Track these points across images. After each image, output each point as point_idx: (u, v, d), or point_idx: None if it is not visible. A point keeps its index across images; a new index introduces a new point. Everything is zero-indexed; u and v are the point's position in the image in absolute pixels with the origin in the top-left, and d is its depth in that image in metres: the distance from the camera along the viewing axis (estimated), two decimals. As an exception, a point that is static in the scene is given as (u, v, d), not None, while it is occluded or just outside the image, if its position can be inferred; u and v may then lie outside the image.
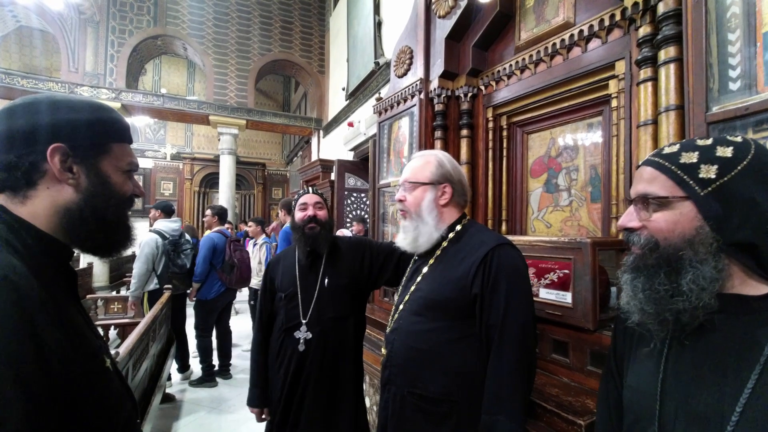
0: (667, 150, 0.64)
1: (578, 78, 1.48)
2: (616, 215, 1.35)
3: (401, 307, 1.13)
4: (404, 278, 1.22)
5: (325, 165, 5.66)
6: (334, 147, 6.80)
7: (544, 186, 1.75)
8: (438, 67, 1.97)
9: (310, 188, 1.67)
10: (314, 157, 7.51)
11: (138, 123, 9.39)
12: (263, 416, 1.54)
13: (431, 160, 1.15)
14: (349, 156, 5.68)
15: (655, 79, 1.14)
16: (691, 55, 0.95)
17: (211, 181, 9.77)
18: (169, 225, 3.45)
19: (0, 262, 0.49)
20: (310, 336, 1.47)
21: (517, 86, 1.75)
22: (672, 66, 1.05)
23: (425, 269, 1.12)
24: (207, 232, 3.62)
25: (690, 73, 0.97)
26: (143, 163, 9.87)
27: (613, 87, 1.38)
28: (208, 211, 3.77)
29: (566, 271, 1.23)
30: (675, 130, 1.04)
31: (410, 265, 1.22)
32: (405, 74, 2.19)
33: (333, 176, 5.20)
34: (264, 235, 4.37)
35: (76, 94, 6.01)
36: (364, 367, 1.68)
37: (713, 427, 0.55)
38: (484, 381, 0.96)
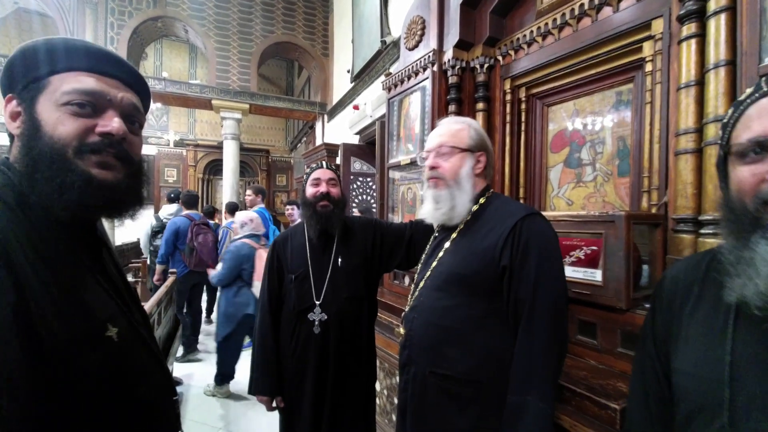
0: None
1: (608, 41, 1.37)
2: (648, 189, 1.26)
3: (421, 284, 1.05)
4: (424, 255, 1.14)
5: (331, 149, 5.55)
6: (339, 131, 6.68)
7: (565, 161, 1.65)
8: (452, 36, 1.86)
9: (324, 163, 1.57)
10: (319, 142, 7.40)
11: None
12: (274, 405, 1.47)
13: (465, 125, 1.06)
14: (355, 140, 5.57)
15: (700, 35, 1.03)
16: (746, 1, 0.85)
17: (215, 168, 9.69)
18: (166, 210, 3.80)
19: None
20: (326, 317, 1.41)
21: (537, 55, 1.64)
22: (723, 16, 0.94)
23: (447, 244, 1.04)
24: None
25: (744, 21, 0.87)
26: (147, 149, 9.80)
27: (647, 49, 1.26)
28: (167, 197, 4.26)
29: (595, 248, 1.15)
30: (725, 88, 0.93)
31: (430, 241, 1.14)
32: (416, 46, 2.08)
33: (338, 160, 5.10)
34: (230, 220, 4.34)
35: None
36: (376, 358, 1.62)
37: None
38: (511, 361, 0.89)
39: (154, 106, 9.24)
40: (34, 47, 0.56)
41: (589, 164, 1.55)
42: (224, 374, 2.91)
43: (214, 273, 2.93)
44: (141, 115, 0.64)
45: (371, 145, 4.91)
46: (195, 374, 3.28)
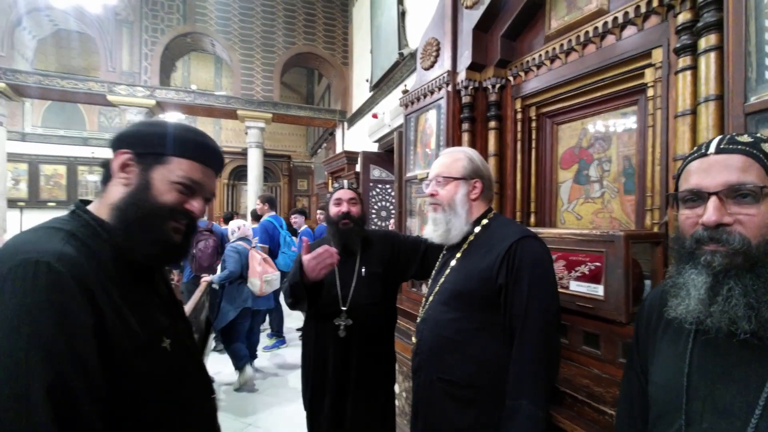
0: (741, 138, 0.60)
1: (612, 67, 1.45)
2: (651, 207, 1.33)
3: (431, 298, 1.17)
4: (434, 271, 1.26)
5: (350, 157, 5.72)
6: (358, 138, 6.85)
7: (574, 177, 1.73)
8: (465, 58, 1.96)
9: (345, 182, 1.71)
10: (339, 149, 7.59)
11: (170, 119, 9.76)
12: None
13: (461, 156, 1.18)
14: (374, 147, 5.72)
15: (694, 67, 1.11)
16: (732, 43, 0.93)
17: (239, 174, 10.07)
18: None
19: (49, 251, 0.58)
20: (351, 322, 1.54)
21: (547, 76, 1.72)
22: (712, 55, 1.02)
23: (453, 262, 1.16)
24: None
25: (730, 62, 0.94)
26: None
27: (649, 76, 1.34)
28: None
29: (598, 264, 1.23)
30: (714, 121, 1.01)
31: (439, 259, 1.26)
32: (431, 66, 2.20)
33: (358, 168, 5.26)
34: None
35: (114, 92, 6.31)
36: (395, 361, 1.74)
37: (739, 420, 0.57)
38: (507, 368, 1.00)
39: (183, 116, 9.70)
40: (166, 130, 0.71)
41: (597, 181, 1.62)
42: (240, 358, 3.20)
43: (216, 276, 3.33)
44: (214, 196, 0.80)
45: (390, 153, 5.04)
46: (223, 371, 3.49)
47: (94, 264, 0.62)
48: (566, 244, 1.32)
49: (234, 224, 3.53)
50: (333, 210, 1.64)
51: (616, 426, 0.84)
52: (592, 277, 1.25)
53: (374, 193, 5.02)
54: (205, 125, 11.53)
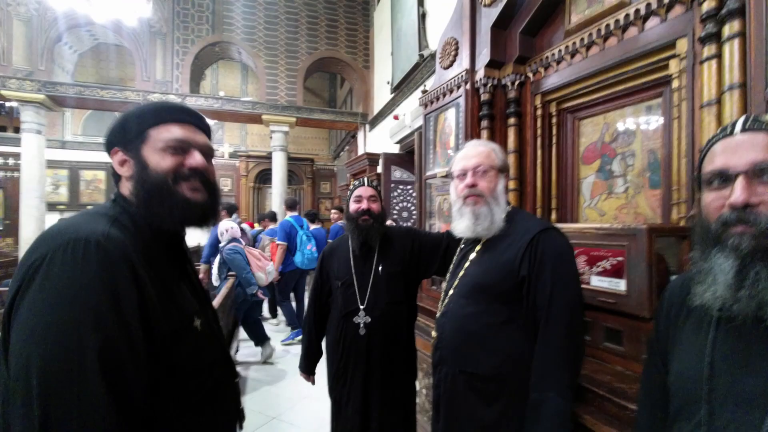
0: (765, 118, 0.60)
1: (635, 59, 1.42)
2: (677, 201, 1.30)
3: (450, 292, 1.18)
4: (452, 265, 1.27)
5: (372, 158, 5.78)
6: (380, 140, 6.90)
7: (597, 173, 1.70)
8: (484, 56, 1.97)
9: (365, 179, 1.74)
10: (360, 151, 7.67)
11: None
12: (311, 381, 1.75)
13: (494, 146, 1.20)
14: (395, 149, 5.75)
15: (718, 56, 1.08)
16: (753, 28, 0.90)
17: (264, 177, 10.32)
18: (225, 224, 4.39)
19: (96, 231, 0.62)
20: (370, 320, 1.57)
21: (567, 71, 1.71)
22: (736, 42, 0.99)
23: (473, 255, 1.16)
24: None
25: (752, 48, 0.92)
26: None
27: (673, 67, 1.31)
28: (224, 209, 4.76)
29: (620, 259, 1.21)
30: (739, 110, 0.98)
31: (457, 253, 1.27)
32: (450, 65, 2.21)
33: (379, 169, 5.30)
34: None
35: (149, 101, 6.64)
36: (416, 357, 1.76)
37: (762, 411, 0.56)
38: (531, 361, 0.99)
39: (212, 122, 10.06)
40: (129, 116, 0.75)
41: (621, 176, 1.59)
42: (260, 336, 3.65)
43: (248, 289, 3.54)
44: (212, 150, 0.83)
45: (410, 154, 5.06)
46: (250, 368, 3.60)
47: (136, 246, 0.66)
48: (587, 238, 1.30)
49: (222, 227, 3.71)
50: (353, 207, 1.66)
51: (636, 420, 0.83)
52: (614, 272, 1.23)
53: (395, 194, 5.05)
54: (232, 130, 11.91)
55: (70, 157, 9.44)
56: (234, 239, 3.67)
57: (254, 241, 5.21)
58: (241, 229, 4.63)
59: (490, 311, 1.06)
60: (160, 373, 0.65)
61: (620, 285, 1.19)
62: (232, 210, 4.93)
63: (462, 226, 1.16)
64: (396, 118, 5.69)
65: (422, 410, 2.05)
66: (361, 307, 1.58)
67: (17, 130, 7.91)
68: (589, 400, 1.11)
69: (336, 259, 1.72)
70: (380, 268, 1.62)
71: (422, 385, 2.08)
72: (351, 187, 1.76)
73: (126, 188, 0.75)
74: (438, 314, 1.22)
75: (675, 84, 1.31)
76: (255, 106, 7.40)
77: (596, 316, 1.27)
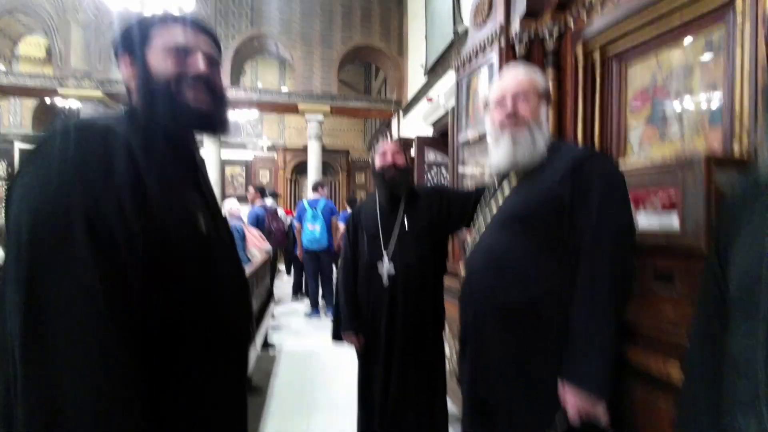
0: None
1: (691, -17, 1.28)
2: (740, 132, 1.16)
3: (483, 228, 1.12)
4: (483, 201, 1.21)
5: (405, 143, 5.73)
6: (414, 125, 6.85)
7: (647, 119, 1.55)
8: (520, 6, 1.86)
9: (389, 135, 1.75)
10: (394, 137, 7.65)
11: (240, 119, 10.60)
12: (359, 341, 1.65)
13: (535, 71, 1.10)
14: (430, 132, 5.68)
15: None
16: None
17: (300, 169, 10.60)
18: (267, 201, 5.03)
19: (100, 123, 0.63)
20: (394, 272, 1.55)
21: (612, 12, 1.57)
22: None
23: (508, 190, 1.09)
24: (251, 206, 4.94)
25: None
26: (245, 155, 11.10)
27: (737, -16, 1.16)
28: (250, 188, 5.22)
29: (672, 194, 1.10)
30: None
31: (488, 191, 1.20)
32: (484, 23, 2.12)
33: (413, 153, 5.25)
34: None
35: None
36: (444, 314, 1.71)
37: None
38: (572, 296, 0.91)
39: (252, 117, 10.45)
40: (135, 21, 0.75)
41: (675, 119, 1.45)
42: None
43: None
44: (219, 59, 0.80)
45: (444, 136, 4.96)
46: (285, 340, 3.71)
47: (138, 141, 0.65)
48: (635, 178, 1.19)
49: (226, 207, 3.97)
50: (378, 162, 1.67)
51: (691, 327, 0.74)
52: (665, 210, 1.11)
53: (430, 176, 4.99)
54: (270, 125, 12.32)
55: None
56: (235, 218, 3.97)
57: (290, 227, 5.54)
58: (275, 212, 5.00)
59: (526, 241, 0.98)
60: (162, 280, 0.62)
61: (673, 222, 1.08)
62: (263, 192, 5.17)
63: (499, 154, 1.07)
64: (430, 100, 5.61)
65: (452, 375, 2.00)
66: (386, 257, 1.56)
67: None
68: (636, 341, 1.02)
69: (364, 214, 1.73)
70: (406, 221, 1.60)
71: (454, 351, 2.03)
72: (376, 145, 1.77)
73: (134, 99, 0.75)
74: (467, 253, 1.16)
75: (739, 7, 1.17)
76: (291, 97, 7.58)
77: (645, 259, 1.15)
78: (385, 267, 1.56)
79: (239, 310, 0.80)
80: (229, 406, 0.74)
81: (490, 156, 1.15)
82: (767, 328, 0.53)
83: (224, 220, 0.86)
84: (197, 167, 0.82)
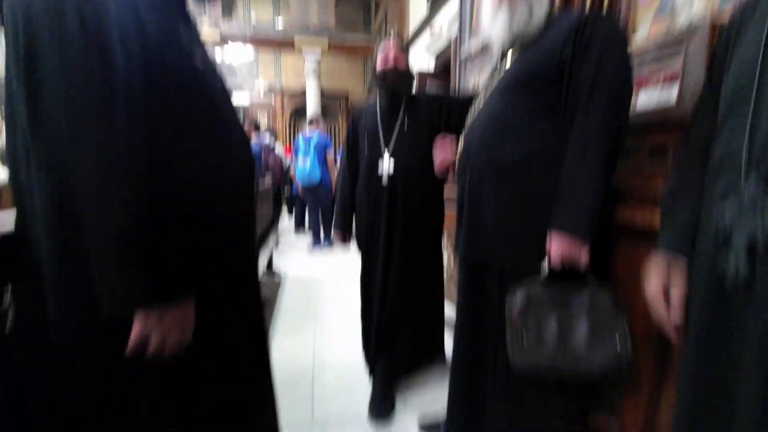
0: None
1: None
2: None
3: (481, 102, 1.13)
4: (485, 77, 1.20)
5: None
6: (416, 60, 6.58)
7: (657, 9, 1.49)
8: None
9: (390, 37, 1.70)
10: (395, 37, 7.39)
11: (234, 61, 10.17)
12: (347, 240, 1.81)
13: None
14: (432, 64, 5.50)
15: None
16: None
17: (300, 113, 10.38)
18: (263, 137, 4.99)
19: None
20: (393, 171, 1.58)
21: None
22: None
23: (508, 62, 1.09)
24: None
25: None
26: (242, 100, 10.78)
27: None
28: (246, 122, 5.07)
29: (673, 70, 1.09)
30: None
31: (492, 67, 1.19)
32: None
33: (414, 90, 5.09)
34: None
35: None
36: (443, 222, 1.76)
37: None
38: (566, 154, 0.93)
39: (247, 57, 10.00)
40: None
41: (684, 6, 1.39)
42: None
43: None
44: None
45: (446, 71, 4.79)
46: (289, 269, 3.87)
47: None
48: (640, 57, 1.17)
49: None
50: (379, 65, 1.66)
51: (688, 133, 0.79)
52: (664, 84, 1.11)
53: (431, 111, 4.89)
54: (266, 66, 11.83)
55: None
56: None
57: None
58: (272, 149, 5.02)
59: (525, 101, 0.99)
60: (164, 107, 0.64)
61: (671, 94, 1.08)
62: (258, 126, 5.16)
63: (497, 28, 1.06)
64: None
65: (451, 278, 2.12)
66: (386, 153, 1.59)
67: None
68: (625, 202, 1.07)
69: (365, 117, 1.74)
70: (406, 120, 1.62)
71: (451, 260, 2.11)
72: (377, 48, 1.72)
73: None
74: (465, 130, 1.17)
75: None
76: (287, 31, 7.22)
77: (638, 136, 1.17)
78: (386, 164, 1.59)
79: (242, 166, 0.82)
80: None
81: (489, 34, 1.13)
82: (753, 123, 0.56)
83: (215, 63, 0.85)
84: (197, 30, 0.81)
